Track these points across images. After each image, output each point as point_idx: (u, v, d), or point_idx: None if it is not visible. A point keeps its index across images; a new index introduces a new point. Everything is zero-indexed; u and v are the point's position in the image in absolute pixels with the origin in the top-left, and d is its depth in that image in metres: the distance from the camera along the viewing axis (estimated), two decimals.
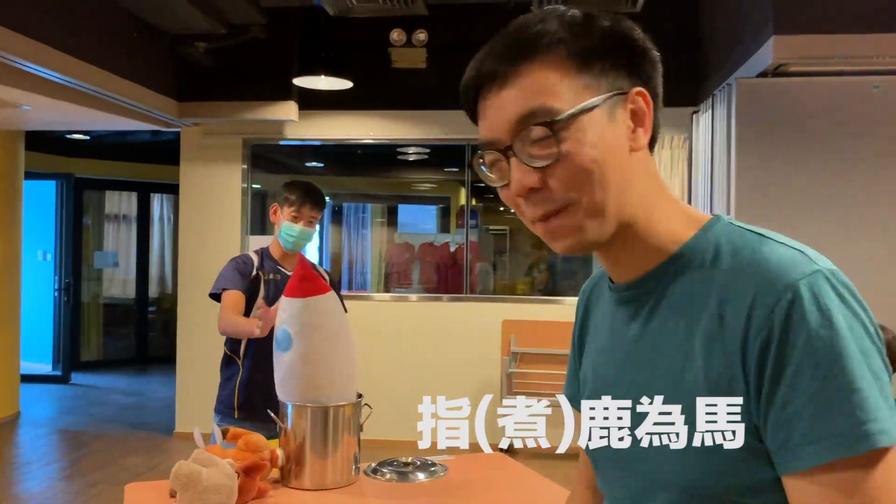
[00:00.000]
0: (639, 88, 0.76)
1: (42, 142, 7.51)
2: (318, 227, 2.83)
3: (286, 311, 1.98)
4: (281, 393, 1.99)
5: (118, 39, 4.92)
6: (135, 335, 9.72)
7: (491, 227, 7.95)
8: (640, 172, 0.76)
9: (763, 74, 4.01)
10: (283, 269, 2.81)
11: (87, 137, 7.66)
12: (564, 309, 5.71)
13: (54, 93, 4.85)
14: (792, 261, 0.69)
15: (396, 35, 5.50)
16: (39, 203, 8.23)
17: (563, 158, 0.72)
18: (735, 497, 0.71)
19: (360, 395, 2.06)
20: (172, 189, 9.73)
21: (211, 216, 6.07)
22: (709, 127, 4.68)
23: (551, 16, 0.76)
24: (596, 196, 0.74)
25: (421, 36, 5.49)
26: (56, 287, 8.44)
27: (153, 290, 9.91)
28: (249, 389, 2.72)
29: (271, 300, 2.70)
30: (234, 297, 2.70)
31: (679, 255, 0.77)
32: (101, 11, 4.71)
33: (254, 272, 2.79)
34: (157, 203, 9.98)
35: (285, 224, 2.77)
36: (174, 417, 6.23)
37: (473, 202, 8.70)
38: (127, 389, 8.18)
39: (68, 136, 7.77)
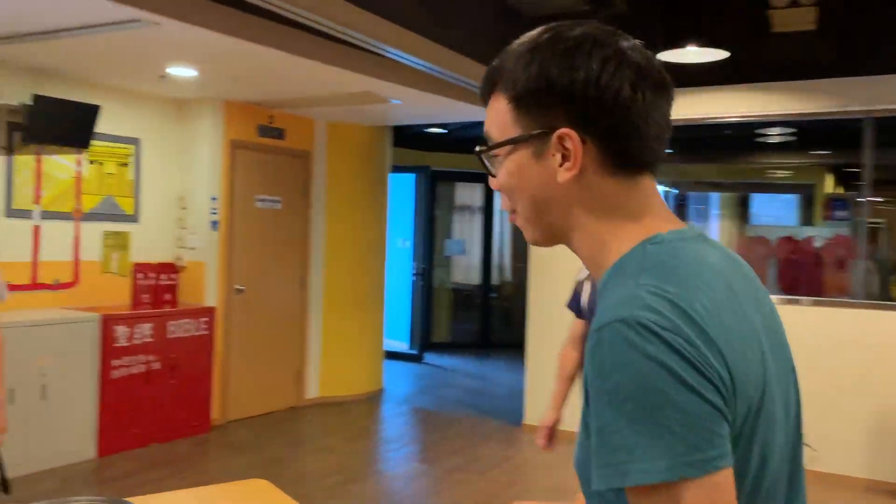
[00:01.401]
0: (564, 130, 0.85)
1: (403, 137, 8.00)
2: None
3: None
4: None
5: (481, 26, 4.88)
6: (479, 320, 10.08)
7: (869, 221, 6.65)
8: (570, 199, 0.88)
9: None
10: None
11: (444, 131, 7.99)
12: None
13: (424, 85, 4.98)
14: (612, 307, 0.78)
15: None
16: (399, 194, 8.85)
17: (497, 176, 0.94)
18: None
19: None
20: None
21: None
22: None
23: (511, 52, 0.90)
24: (522, 211, 0.93)
25: None
26: (413, 272, 9.04)
27: (494, 278, 10.18)
28: None
29: (590, 303, 2.71)
30: (570, 329, 2.89)
31: (603, 278, 0.89)
32: None
33: (580, 276, 2.83)
34: (499, 194, 10.20)
35: None
36: (521, 407, 6.16)
37: (842, 190, 7.48)
38: (472, 373, 8.44)
39: (426, 131, 8.19)
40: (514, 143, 0.89)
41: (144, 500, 1.72)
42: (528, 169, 0.89)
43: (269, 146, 6.18)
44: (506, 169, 0.91)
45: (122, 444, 5.01)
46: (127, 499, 1.64)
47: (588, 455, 0.80)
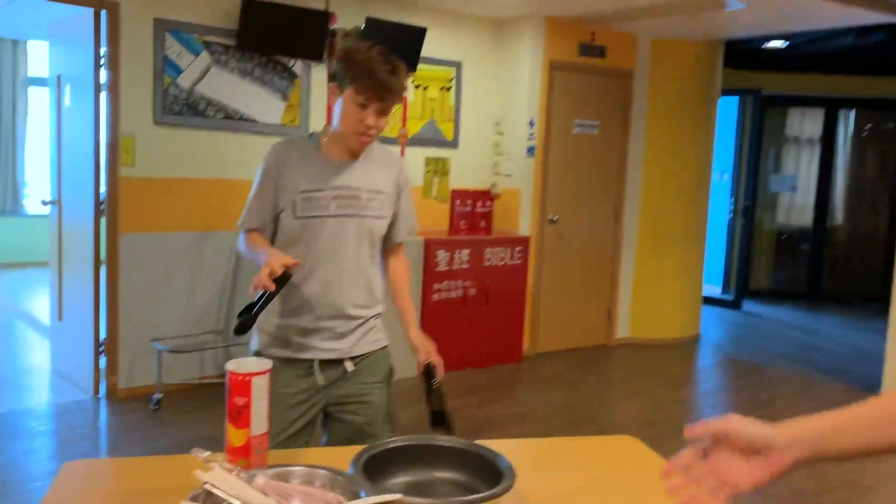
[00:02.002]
0: None
1: (729, 55, 7.05)
2: None
3: None
4: None
5: None
6: (806, 268, 8.86)
7: None
8: None
9: None
10: None
11: (784, 45, 6.90)
12: None
13: None
14: None
15: None
16: (720, 121, 7.93)
17: None
18: None
19: None
20: (862, 104, 8.37)
21: None
22: None
23: None
24: None
25: None
26: (730, 210, 8.14)
27: (829, 221, 8.83)
28: None
29: None
30: None
31: None
32: None
33: None
34: (843, 121, 8.71)
35: None
36: (875, 371, 5.19)
37: None
38: (800, 325, 7.42)
39: (762, 48, 7.14)
40: None
41: (502, 443, 1.48)
42: None
43: (588, 66, 5.76)
44: None
45: None
46: (482, 442, 1.41)
47: None
